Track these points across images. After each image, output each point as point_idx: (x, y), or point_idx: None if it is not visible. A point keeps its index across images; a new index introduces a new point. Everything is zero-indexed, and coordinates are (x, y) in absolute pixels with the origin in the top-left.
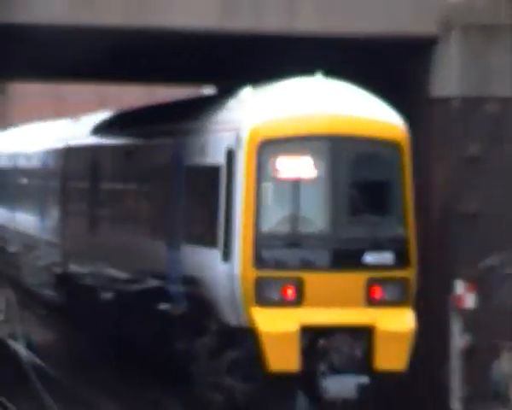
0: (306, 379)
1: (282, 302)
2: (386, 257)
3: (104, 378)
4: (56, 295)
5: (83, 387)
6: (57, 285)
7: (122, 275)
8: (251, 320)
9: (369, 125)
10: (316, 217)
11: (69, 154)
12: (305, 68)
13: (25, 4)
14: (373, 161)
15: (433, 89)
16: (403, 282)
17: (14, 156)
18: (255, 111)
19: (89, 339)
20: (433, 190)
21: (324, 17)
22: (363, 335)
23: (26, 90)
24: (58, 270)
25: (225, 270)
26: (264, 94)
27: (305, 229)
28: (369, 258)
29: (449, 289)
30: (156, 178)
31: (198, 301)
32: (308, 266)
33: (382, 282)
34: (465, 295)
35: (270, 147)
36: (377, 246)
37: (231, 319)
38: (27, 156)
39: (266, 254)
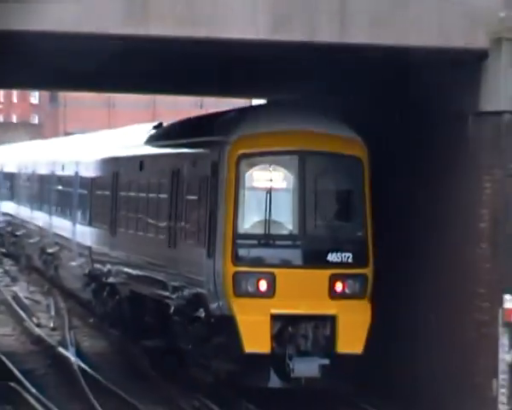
0: (277, 360)
1: (257, 294)
2: (347, 256)
3: (153, 385)
4: (84, 292)
5: (132, 394)
6: (86, 284)
7: (139, 266)
8: (230, 309)
9: (333, 142)
10: (286, 221)
11: (100, 164)
12: (355, 80)
13: (79, 15)
14: (336, 173)
15: (483, 103)
16: (361, 278)
17: (53, 164)
18: (234, 130)
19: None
20: (482, 204)
21: (376, 30)
22: (327, 323)
23: (79, 99)
24: (87, 269)
25: (210, 265)
26: (243, 114)
27: (276, 231)
28: (332, 257)
29: (499, 303)
30: (166, 187)
31: (192, 293)
32: (279, 263)
33: (343, 278)
34: None
35: (246, 160)
36: (339, 247)
37: (215, 308)
38: (64, 165)
39: (243, 252)
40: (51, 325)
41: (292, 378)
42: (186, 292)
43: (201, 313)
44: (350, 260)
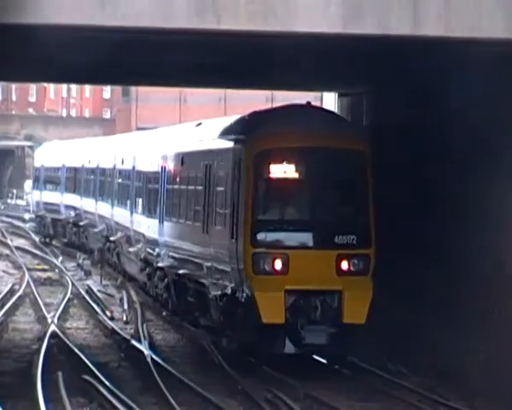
0: (290, 329)
1: (273, 272)
2: (352, 238)
3: (225, 377)
4: (141, 276)
5: (204, 386)
6: (141, 268)
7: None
8: (249, 286)
9: (339, 139)
10: (298, 208)
11: (151, 160)
12: (425, 73)
13: (152, 9)
14: (342, 166)
15: None
16: (365, 258)
17: (114, 159)
18: (253, 130)
19: (208, 337)
20: None
21: (448, 22)
22: (334, 297)
23: (150, 94)
24: (142, 255)
25: (233, 247)
26: (261, 117)
27: (289, 217)
28: (339, 239)
29: None
30: (201, 180)
31: (221, 273)
32: (292, 245)
33: (349, 257)
34: None
35: (263, 156)
36: (345, 230)
37: (238, 284)
38: (123, 159)
39: (260, 236)
40: (124, 318)
41: (303, 345)
42: (217, 272)
43: (228, 289)
44: (354, 242)
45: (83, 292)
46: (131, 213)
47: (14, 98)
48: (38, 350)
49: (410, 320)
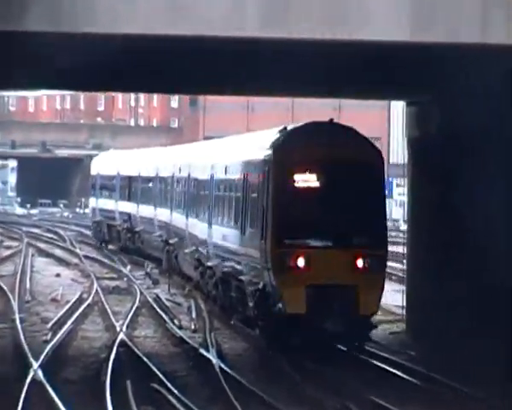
0: (311, 319)
1: (296, 269)
2: (368, 240)
3: (294, 386)
4: (195, 274)
5: (273, 395)
6: (195, 267)
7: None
8: (276, 281)
9: (357, 153)
10: (319, 213)
11: (203, 169)
12: (493, 80)
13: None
14: (360, 177)
15: None
16: (378, 257)
17: (172, 167)
18: (280, 145)
19: (278, 347)
20: None
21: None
22: (351, 291)
23: (218, 103)
24: (196, 255)
25: (262, 247)
26: (287, 133)
27: (311, 221)
28: (355, 240)
29: None
30: (240, 187)
31: (255, 270)
32: (313, 245)
33: (364, 257)
34: None
35: (288, 168)
36: (361, 233)
37: (267, 280)
38: (180, 168)
39: (285, 237)
40: (192, 327)
41: (323, 334)
42: (252, 270)
43: (260, 285)
44: (369, 244)
45: (151, 301)
46: (187, 217)
47: (82, 107)
48: (107, 358)
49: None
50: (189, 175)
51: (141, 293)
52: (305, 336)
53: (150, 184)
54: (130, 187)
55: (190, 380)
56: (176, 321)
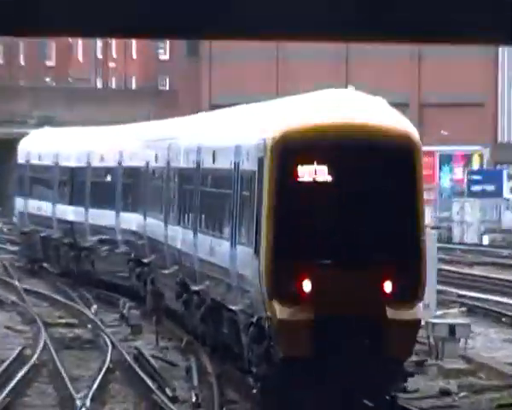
0: (320, 366)
1: (299, 295)
2: (399, 254)
3: None
4: (177, 306)
5: None
6: (178, 295)
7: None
8: (271, 310)
9: (382, 133)
10: (332, 218)
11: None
12: None
13: None
14: (387, 167)
15: None
16: (413, 277)
17: (138, 152)
18: (277, 122)
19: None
20: None
21: None
22: (376, 326)
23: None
24: (179, 278)
25: (255, 263)
26: (289, 105)
27: (321, 228)
28: (382, 255)
29: None
30: (233, 183)
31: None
32: (324, 262)
33: (394, 277)
34: None
35: (288, 154)
36: (390, 244)
37: (260, 309)
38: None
39: (285, 250)
40: (194, 398)
41: (337, 385)
42: (244, 296)
43: (254, 316)
44: (401, 259)
45: (129, 359)
46: (166, 224)
47: (22, 61)
48: None
49: None
50: (168, 164)
51: (114, 347)
52: (314, 390)
53: (108, 178)
54: (75, 183)
55: None
56: (168, 390)
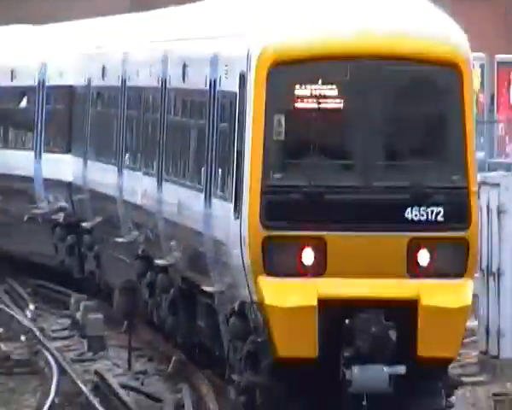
0: (327, 368)
1: (298, 271)
2: (437, 213)
3: None
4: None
5: None
6: (139, 274)
7: None
8: (258, 293)
9: (416, 44)
10: (342, 161)
11: None
12: None
13: None
14: (420, 89)
15: None
16: (458, 245)
17: (78, 65)
18: (268, 27)
19: None
20: None
21: None
22: (403, 313)
23: None
24: (139, 250)
25: (235, 226)
26: (282, 8)
27: (327, 176)
28: (413, 214)
29: None
30: (209, 111)
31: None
32: (332, 224)
33: (431, 245)
34: None
35: (283, 72)
36: (424, 198)
37: (243, 291)
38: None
39: (278, 208)
40: None
41: (348, 394)
42: (223, 273)
43: (236, 302)
44: (440, 219)
45: (85, 390)
46: (120, 170)
47: None
48: None
49: None
50: (123, 82)
51: (61, 372)
52: (319, 401)
53: (23, 104)
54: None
55: None
56: None
